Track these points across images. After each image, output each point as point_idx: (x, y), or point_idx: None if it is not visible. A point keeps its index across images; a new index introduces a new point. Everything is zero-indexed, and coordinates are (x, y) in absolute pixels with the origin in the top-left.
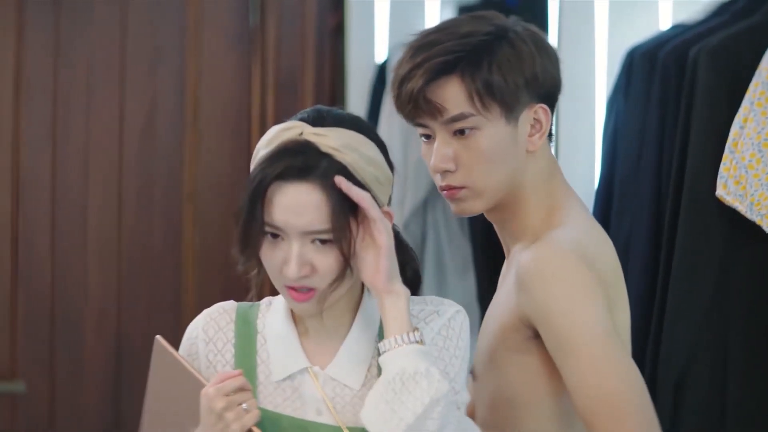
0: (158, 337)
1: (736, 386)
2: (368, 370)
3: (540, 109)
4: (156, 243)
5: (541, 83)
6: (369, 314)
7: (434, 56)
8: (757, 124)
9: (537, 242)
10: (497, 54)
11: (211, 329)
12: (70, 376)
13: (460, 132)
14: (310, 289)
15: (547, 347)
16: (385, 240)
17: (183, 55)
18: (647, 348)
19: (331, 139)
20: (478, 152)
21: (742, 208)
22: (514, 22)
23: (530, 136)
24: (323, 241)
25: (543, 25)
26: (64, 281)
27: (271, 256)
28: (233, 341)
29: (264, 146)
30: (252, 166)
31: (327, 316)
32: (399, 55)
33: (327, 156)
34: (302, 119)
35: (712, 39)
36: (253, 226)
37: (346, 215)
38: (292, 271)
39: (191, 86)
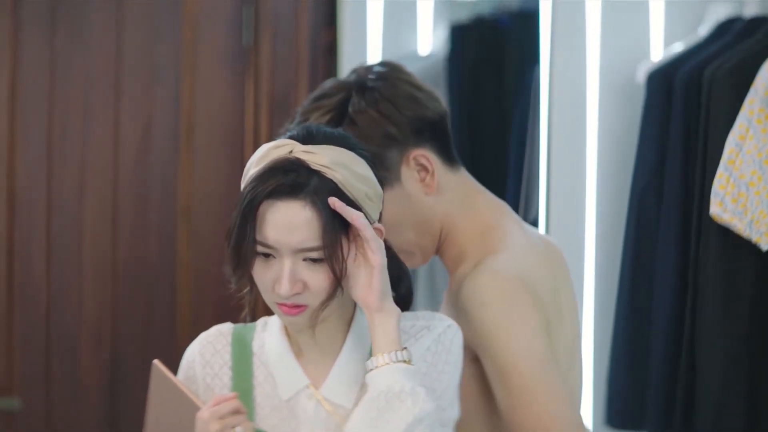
0: (156, 361)
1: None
2: (361, 389)
3: (418, 156)
4: (151, 259)
5: (400, 137)
6: (361, 332)
7: None
8: (757, 141)
9: (475, 269)
10: None
11: (207, 352)
12: (66, 392)
13: None
14: (302, 305)
15: (486, 371)
16: (379, 260)
17: (178, 74)
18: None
19: (321, 157)
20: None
21: (740, 226)
22: (357, 85)
23: (422, 181)
24: (314, 260)
25: (535, 42)
26: (59, 297)
27: (262, 273)
28: (230, 363)
29: (254, 164)
30: (242, 184)
31: (319, 334)
32: None
33: (317, 173)
34: (292, 137)
35: (727, 60)
36: (244, 245)
37: (337, 233)
38: (284, 288)
39: (186, 104)
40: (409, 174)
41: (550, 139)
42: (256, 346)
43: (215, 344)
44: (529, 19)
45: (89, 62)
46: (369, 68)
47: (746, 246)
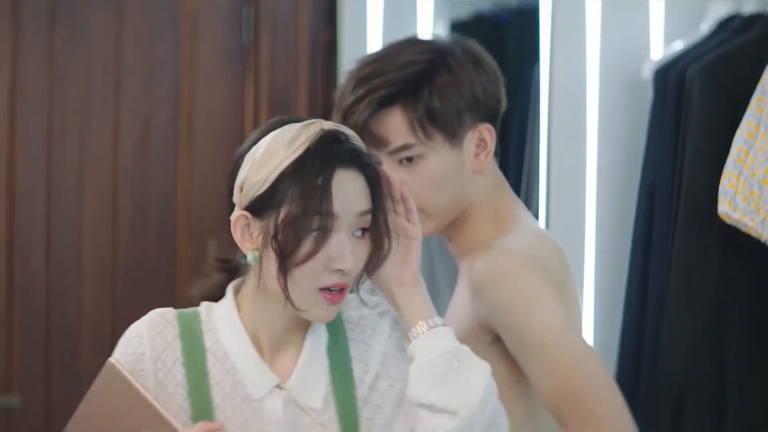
0: (112, 360)
1: (735, 404)
2: (326, 386)
3: (484, 129)
4: (150, 257)
5: (482, 104)
6: (318, 329)
7: (375, 89)
8: None
9: (487, 250)
10: (436, 81)
11: (158, 346)
12: (66, 390)
13: (408, 159)
14: (343, 288)
15: (509, 347)
16: (420, 231)
17: (177, 71)
18: (643, 366)
19: (349, 131)
20: (424, 179)
21: (752, 225)
22: (454, 44)
23: (476, 156)
24: (359, 233)
25: (535, 39)
26: (59, 295)
27: (316, 255)
28: (182, 360)
29: (287, 144)
30: (273, 169)
31: (284, 331)
32: (342, 84)
33: (357, 145)
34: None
35: (707, 55)
36: (311, 222)
37: (384, 198)
38: (350, 263)
39: (185, 102)
40: (469, 144)
41: (550, 137)
42: (208, 341)
43: (165, 336)
44: (529, 16)
45: (89, 61)
46: (466, 41)
47: (712, 241)
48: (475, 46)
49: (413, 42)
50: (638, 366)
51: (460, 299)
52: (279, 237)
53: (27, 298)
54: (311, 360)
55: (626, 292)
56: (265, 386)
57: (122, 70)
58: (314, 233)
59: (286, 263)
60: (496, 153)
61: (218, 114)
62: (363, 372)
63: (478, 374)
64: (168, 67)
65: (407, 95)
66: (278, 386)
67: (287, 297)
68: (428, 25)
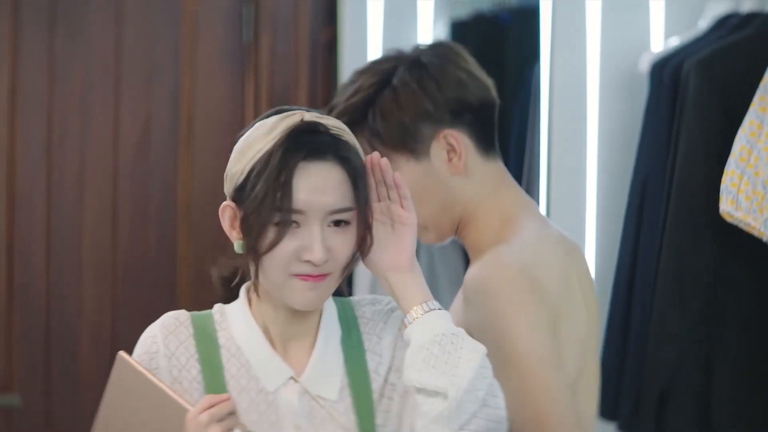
0: (122, 353)
1: (721, 400)
2: (341, 378)
3: (448, 135)
4: (150, 256)
5: (436, 114)
6: (331, 319)
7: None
8: None
9: (482, 258)
10: (378, 103)
11: (171, 344)
12: (66, 389)
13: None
14: (325, 273)
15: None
16: (415, 217)
17: (177, 71)
18: (628, 360)
19: (333, 121)
20: None
21: (755, 224)
22: (406, 59)
23: (449, 161)
24: (337, 224)
25: (535, 38)
26: (59, 294)
27: (283, 244)
28: (196, 356)
29: (264, 136)
30: (247, 160)
31: (289, 321)
32: None
33: (337, 136)
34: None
35: (703, 50)
36: (272, 215)
37: (368, 193)
38: (319, 254)
39: (185, 101)
40: (438, 151)
41: (550, 137)
42: (222, 338)
43: (178, 335)
44: (530, 15)
45: (89, 61)
46: (430, 45)
47: (703, 236)
48: (436, 52)
49: (367, 69)
50: (622, 358)
51: (455, 305)
52: (244, 226)
53: (27, 298)
54: (325, 352)
55: (613, 286)
56: (279, 379)
57: (122, 70)
58: (276, 225)
59: (254, 251)
60: (496, 152)
61: (218, 114)
62: (377, 364)
63: (470, 355)
64: (168, 67)
65: (355, 123)
66: (293, 378)
67: (257, 283)
68: (428, 25)
